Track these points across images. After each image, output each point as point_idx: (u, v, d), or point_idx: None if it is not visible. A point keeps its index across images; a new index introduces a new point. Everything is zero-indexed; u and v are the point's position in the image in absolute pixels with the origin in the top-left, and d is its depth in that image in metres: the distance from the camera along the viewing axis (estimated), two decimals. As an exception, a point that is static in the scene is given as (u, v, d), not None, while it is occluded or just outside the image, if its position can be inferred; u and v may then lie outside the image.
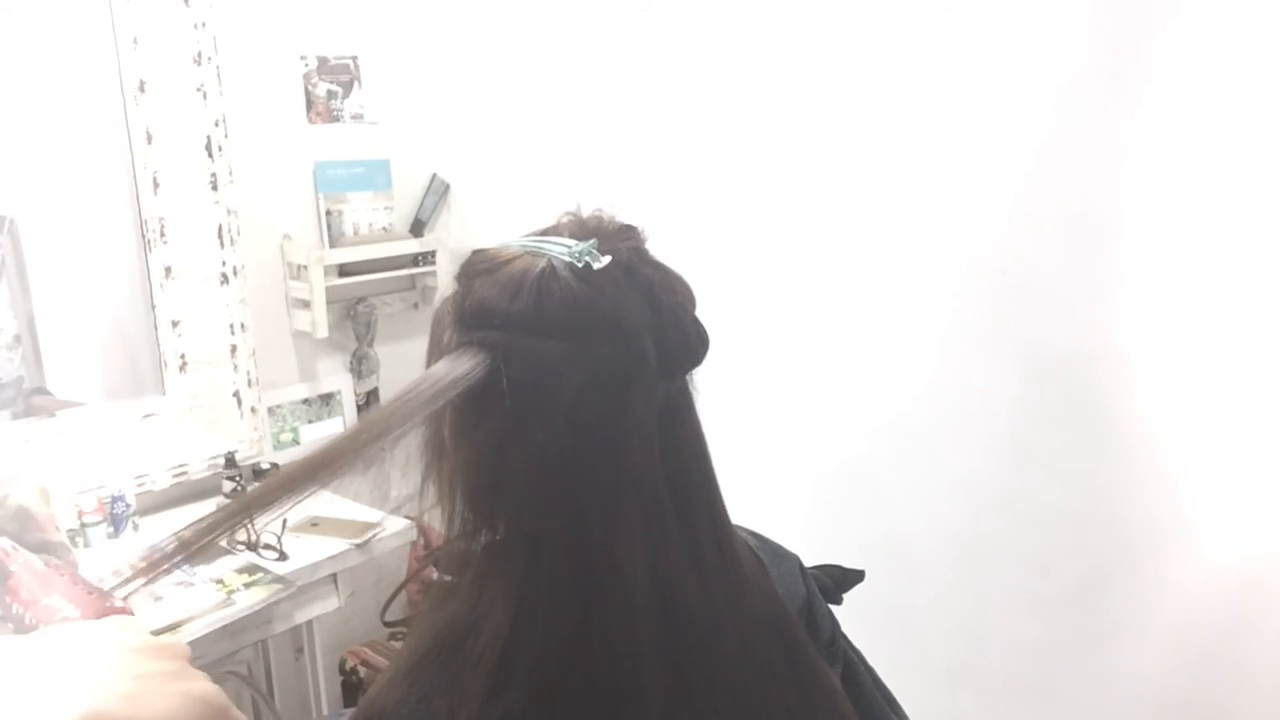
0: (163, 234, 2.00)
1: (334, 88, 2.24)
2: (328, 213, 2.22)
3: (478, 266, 0.59)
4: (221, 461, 2.05)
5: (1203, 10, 1.22)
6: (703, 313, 0.60)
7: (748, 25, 1.71)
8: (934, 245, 1.55)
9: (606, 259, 0.56)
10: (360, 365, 2.36)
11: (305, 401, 2.28)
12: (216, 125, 1.96)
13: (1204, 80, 1.24)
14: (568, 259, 0.56)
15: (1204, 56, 1.23)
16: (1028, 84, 1.41)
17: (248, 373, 2.08)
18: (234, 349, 2.05)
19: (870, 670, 0.82)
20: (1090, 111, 1.35)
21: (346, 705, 2.27)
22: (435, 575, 0.67)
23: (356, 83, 2.27)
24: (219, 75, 1.95)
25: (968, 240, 1.51)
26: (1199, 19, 1.23)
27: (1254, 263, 1.24)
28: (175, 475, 2.01)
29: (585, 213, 0.61)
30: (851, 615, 0.81)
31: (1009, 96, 1.43)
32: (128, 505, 1.88)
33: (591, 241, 0.56)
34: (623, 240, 0.59)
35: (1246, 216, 1.24)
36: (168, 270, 2.02)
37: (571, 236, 0.58)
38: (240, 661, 1.97)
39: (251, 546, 1.80)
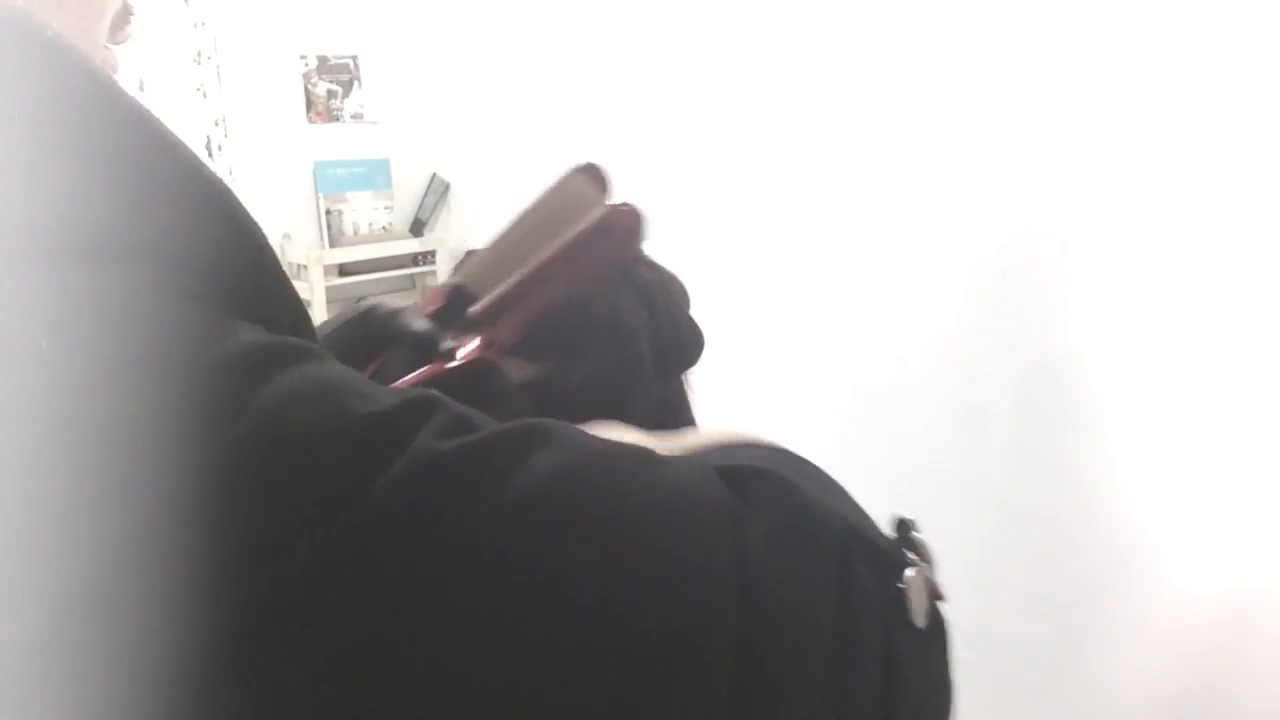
0: (162, 234, 2.00)
1: (334, 87, 2.24)
2: (328, 212, 2.22)
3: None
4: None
5: (1207, 10, 1.22)
6: (700, 312, 0.60)
7: (748, 25, 1.71)
8: (934, 247, 1.55)
9: (601, 260, 0.56)
10: (360, 365, 2.36)
11: (305, 401, 2.28)
12: (216, 125, 1.96)
13: (1206, 81, 1.24)
14: (562, 260, 0.55)
15: (1206, 57, 1.23)
16: (1028, 84, 1.40)
17: (248, 373, 2.08)
18: (234, 349, 2.05)
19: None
20: (1092, 111, 1.35)
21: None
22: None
23: (356, 82, 2.27)
24: (219, 75, 1.95)
25: (968, 242, 1.51)
26: (1203, 19, 1.23)
27: (1256, 264, 1.24)
28: (175, 475, 2.01)
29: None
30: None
31: (1010, 97, 1.42)
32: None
33: (586, 243, 0.56)
34: (617, 241, 0.59)
35: (1248, 218, 1.24)
36: (168, 270, 2.02)
37: (566, 237, 0.58)
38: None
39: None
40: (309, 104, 2.20)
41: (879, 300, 1.62)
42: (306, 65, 2.19)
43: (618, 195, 0.67)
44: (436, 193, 2.38)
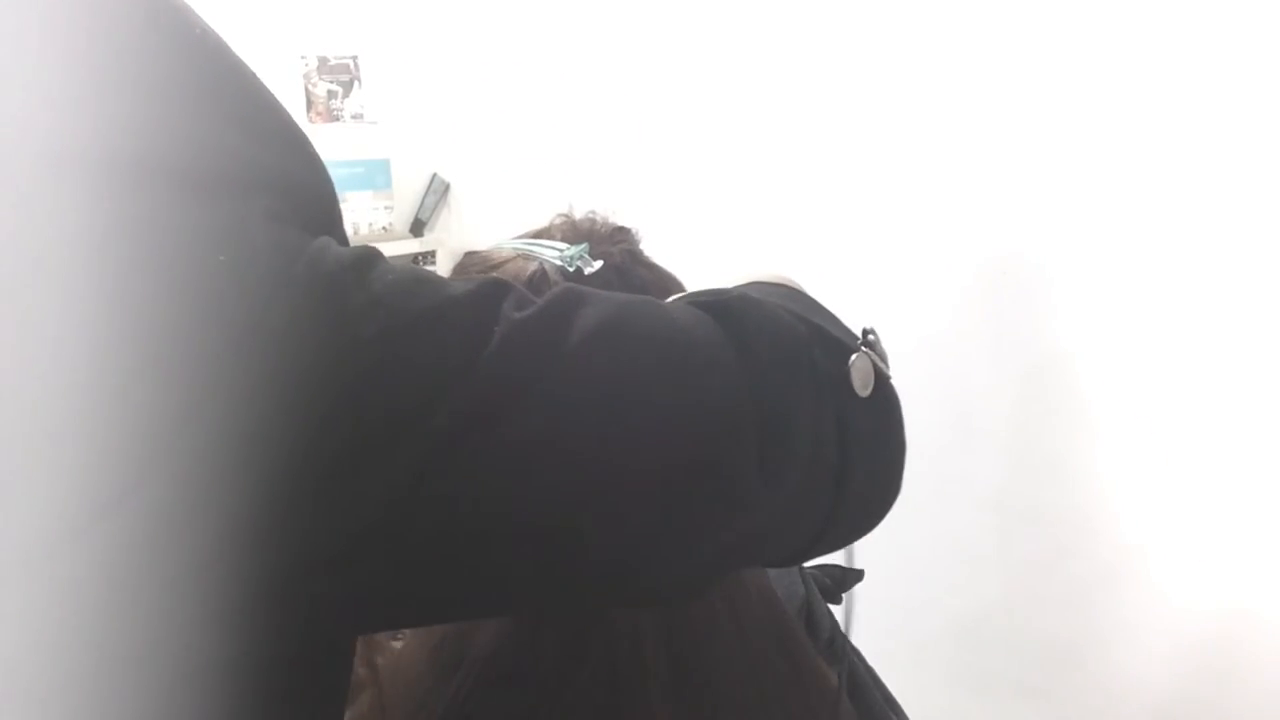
0: (163, 234, 2.00)
1: (334, 87, 2.24)
2: (328, 212, 2.22)
3: (470, 269, 0.59)
4: (222, 462, 2.04)
5: (1204, 11, 1.22)
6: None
7: (748, 24, 1.71)
8: (933, 246, 1.55)
9: (598, 264, 0.56)
10: (361, 365, 2.35)
11: (306, 401, 2.28)
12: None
13: (1208, 79, 1.24)
14: (559, 263, 0.55)
15: (1204, 58, 1.23)
16: (1029, 80, 1.40)
17: (248, 373, 2.08)
18: (234, 349, 2.05)
19: (870, 670, 0.82)
20: (1090, 110, 1.35)
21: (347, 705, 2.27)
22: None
23: (356, 82, 2.27)
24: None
25: (967, 241, 1.51)
26: (1200, 21, 1.22)
27: (1257, 263, 1.24)
28: (176, 475, 2.01)
29: (578, 214, 0.61)
30: (850, 615, 0.81)
31: (1010, 94, 1.42)
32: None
33: (583, 246, 0.56)
34: (615, 243, 0.59)
35: (1248, 218, 1.24)
36: (168, 270, 2.01)
37: (564, 239, 0.58)
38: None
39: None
40: (309, 104, 2.20)
41: (877, 300, 1.62)
42: (306, 65, 2.19)
43: (616, 196, 0.67)
44: (436, 193, 2.38)
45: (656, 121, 1.87)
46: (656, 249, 0.63)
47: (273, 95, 0.38)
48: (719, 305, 0.41)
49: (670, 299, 0.44)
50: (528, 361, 0.34)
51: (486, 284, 0.35)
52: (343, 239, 0.37)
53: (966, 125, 1.47)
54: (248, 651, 0.28)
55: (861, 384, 0.43)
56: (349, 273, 0.32)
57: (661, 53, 1.84)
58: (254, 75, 0.39)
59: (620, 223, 0.61)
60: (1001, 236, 1.47)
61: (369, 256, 0.34)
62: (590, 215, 0.61)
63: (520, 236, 0.60)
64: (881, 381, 0.44)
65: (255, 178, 0.33)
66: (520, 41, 2.13)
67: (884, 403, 0.45)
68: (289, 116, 0.38)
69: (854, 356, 0.43)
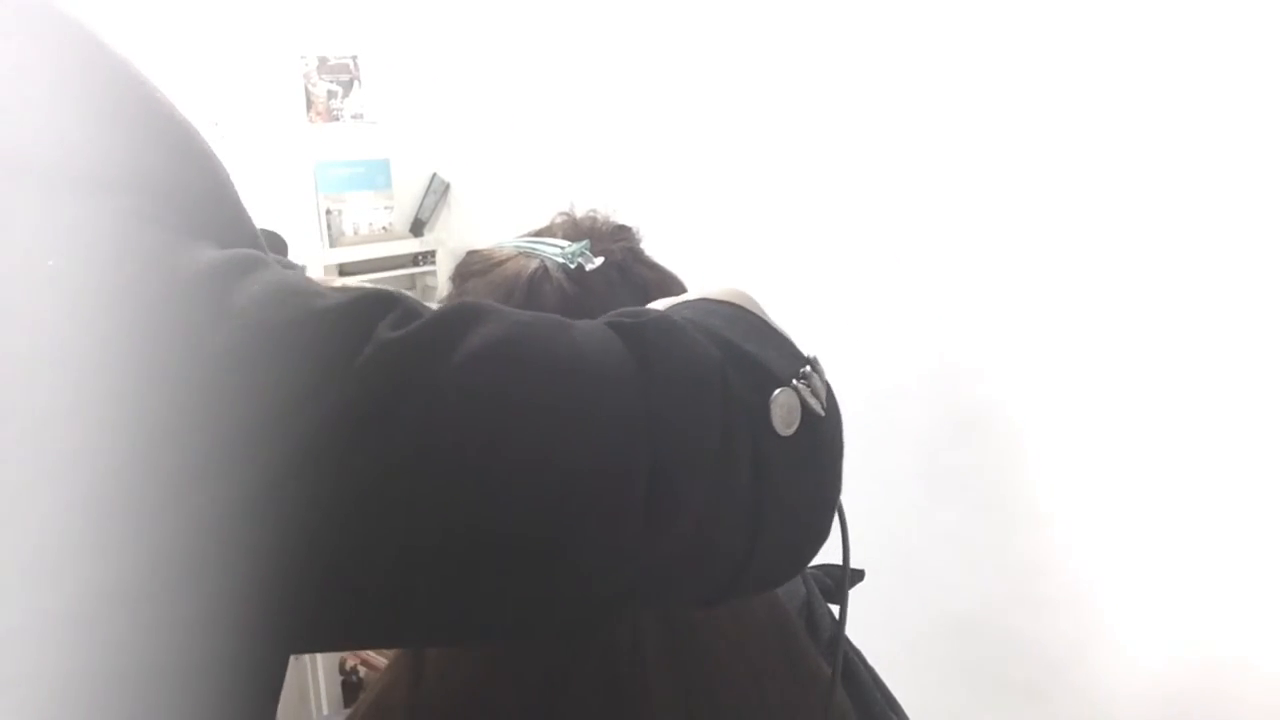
0: (162, 234, 2.00)
1: (334, 87, 2.24)
2: (328, 212, 2.22)
3: (472, 267, 0.59)
4: (222, 461, 2.04)
5: (1202, 15, 1.22)
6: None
7: (748, 26, 1.71)
8: (934, 248, 1.55)
9: (599, 260, 0.56)
10: (360, 365, 2.35)
11: (305, 401, 2.28)
12: (216, 125, 1.96)
13: (1202, 92, 1.24)
14: (560, 260, 0.55)
15: (1203, 65, 1.23)
16: (1026, 86, 1.40)
17: (248, 373, 2.07)
18: (234, 349, 2.05)
19: (870, 670, 0.82)
20: (1088, 110, 1.35)
21: (346, 705, 2.27)
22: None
23: (356, 82, 2.27)
24: (218, 74, 1.95)
25: (968, 243, 1.51)
26: (1198, 25, 1.22)
27: (1249, 268, 1.24)
28: (175, 475, 2.01)
29: (579, 213, 0.61)
30: (851, 615, 0.80)
31: (1008, 98, 1.42)
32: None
33: (584, 243, 0.56)
34: (616, 241, 0.59)
35: (1242, 223, 1.24)
36: (168, 270, 2.01)
37: (565, 237, 0.58)
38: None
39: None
40: (309, 104, 2.20)
41: (880, 302, 1.62)
42: (306, 65, 2.18)
43: (616, 195, 0.67)
44: (436, 193, 2.38)
45: (656, 122, 1.87)
46: (657, 248, 0.63)
47: (164, 97, 0.36)
48: (631, 327, 0.39)
49: (597, 320, 0.42)
50: (393, 380, 0.31)
51: (364, 298, 0.33)
52: (245, 242, 0.35)
53: (968, 129, 1.47)
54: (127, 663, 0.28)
55: (784, 421, 0.39)
56: (210, 281, 0.30)
57: (661, 53, 1.84)
58: (140, 74, 0.36)
59: (621, 221, 0.61)
60: (1003, 237, 1.47)
61: (245, 264, 0.31)
62: (591, 213, 0.61)
63: (522, 236, 0.60)
64: (810, 420, 0.41)
65: (119, 177, 0.31)
66: (520, 42, 2.13)
67: (807, 443, 0.41)
68: (180, 117, 0.36)
69: (778, 391, 0.40)
